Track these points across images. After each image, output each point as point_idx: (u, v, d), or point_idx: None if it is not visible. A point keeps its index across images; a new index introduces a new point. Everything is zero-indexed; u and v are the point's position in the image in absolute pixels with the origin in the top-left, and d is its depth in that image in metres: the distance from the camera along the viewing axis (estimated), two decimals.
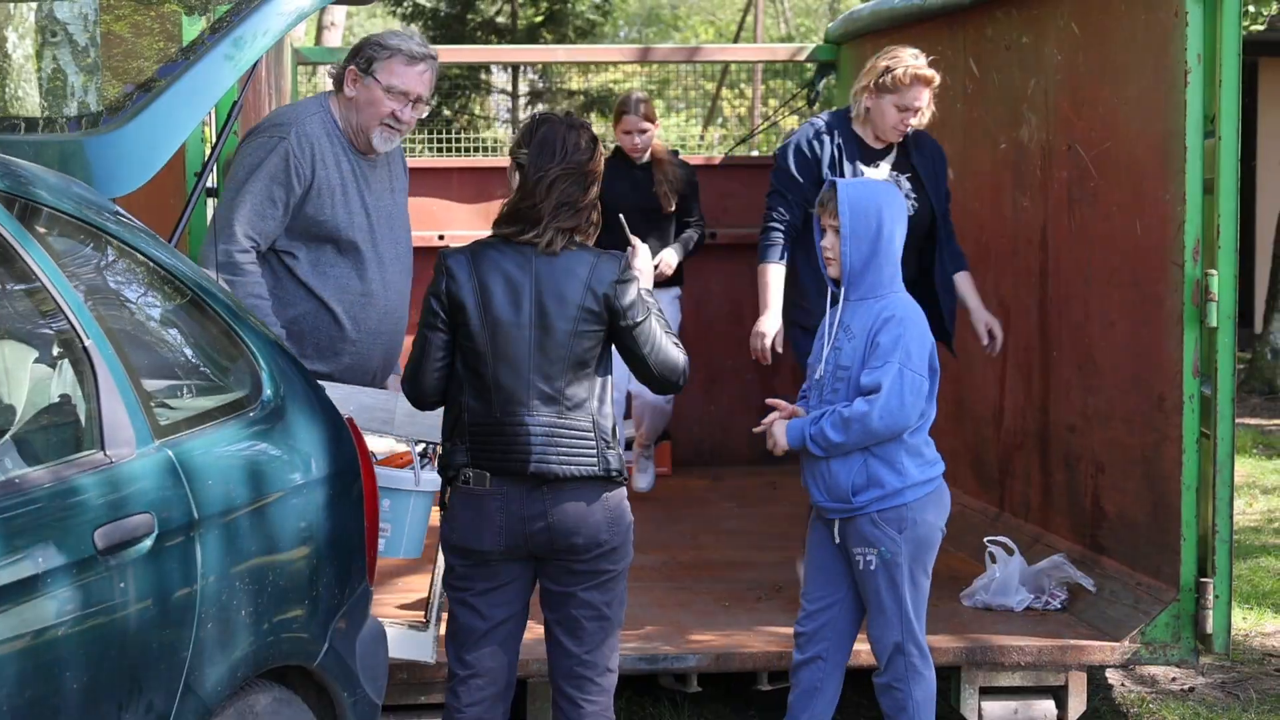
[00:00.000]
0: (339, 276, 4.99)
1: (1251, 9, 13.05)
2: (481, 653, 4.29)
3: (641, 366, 4.29)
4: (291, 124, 4.94)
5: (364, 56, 4.99)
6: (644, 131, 7.59)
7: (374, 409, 4.71)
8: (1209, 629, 5.35)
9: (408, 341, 4.56)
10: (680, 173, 7.71)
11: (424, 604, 5.15)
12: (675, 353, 4.32)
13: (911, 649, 4.67)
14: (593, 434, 4.21)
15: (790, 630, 5.59)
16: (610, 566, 4.27)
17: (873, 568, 4.62)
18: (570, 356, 4.19)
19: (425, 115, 5.16)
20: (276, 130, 4.94)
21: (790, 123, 19.76)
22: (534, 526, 4.20)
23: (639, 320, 4.24)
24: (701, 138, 17.28)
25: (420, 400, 4.31)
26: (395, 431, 4.74)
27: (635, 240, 4.44)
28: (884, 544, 4.60)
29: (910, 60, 5.60)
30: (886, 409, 4.53)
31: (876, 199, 4.66)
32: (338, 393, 4.59)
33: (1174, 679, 6.17)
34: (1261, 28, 13.62)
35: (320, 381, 4.58)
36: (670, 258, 7.58)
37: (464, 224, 8.96)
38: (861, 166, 5.64)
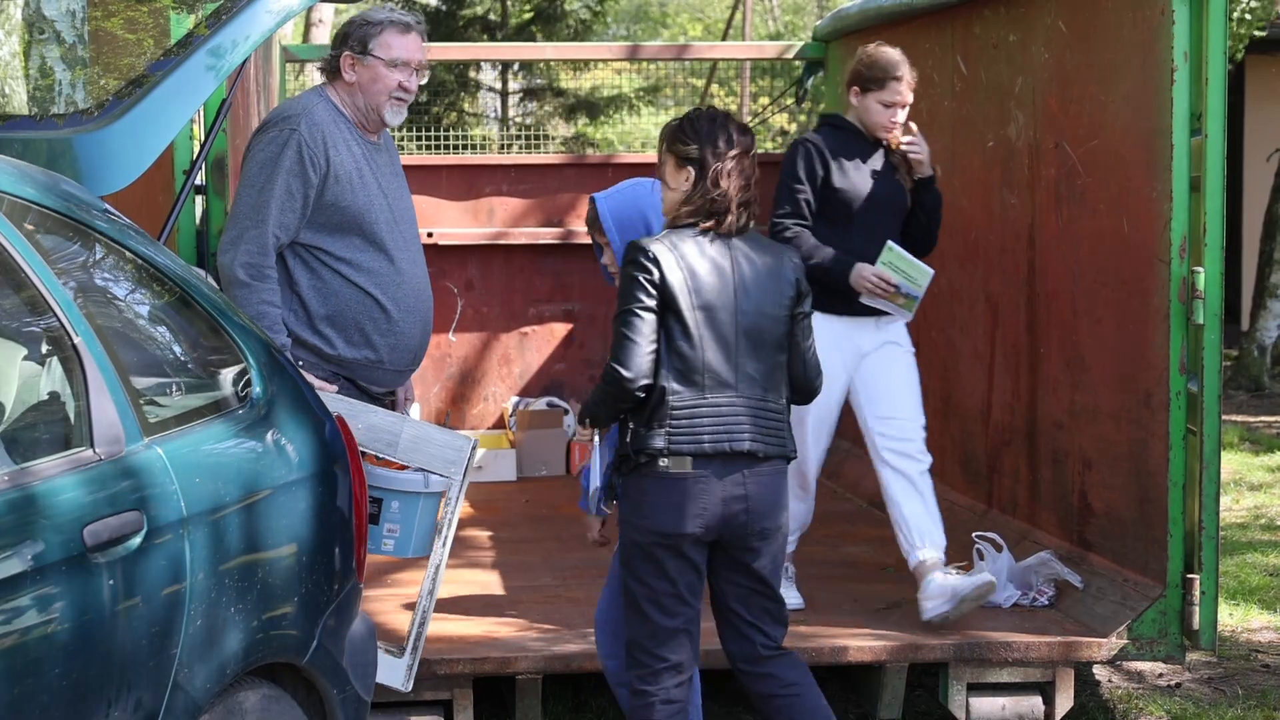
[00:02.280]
0: (371, 261, 5.00)
1: (1249, 16, 13.08)
2: (677, 644, 4.37)
3: (799, 361, 4.45)
4: (300, 115, 4.94)
5: (356, 39, 5.01)
6: (905, 106, 5.78)
7: (380, 430, 4.72)
8: (1196, 625, 5.36)
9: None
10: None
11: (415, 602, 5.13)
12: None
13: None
14: (784, 415, 4.41)
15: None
16: (780, 543, 4.45)
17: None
18: (772, 339, 4.37)
19: (425, 81, 5.21)
20: (285, 123, 4.93)
21: (779, 120, 19.76)
22: (734, 508, 4.32)
23: (809, 311, 4.46)
24: None
25: (630, 384, 4.26)
26: (397, 456, 4.74)
27: None
28: None
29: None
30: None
31: (638, 203, 4.58)
32: (345, 407, 4.63)
33: (1161, 675, 6.19)
34: (1263, 34, 13.64)
35: (333, 396, 4.61)
36: None
37: (454, 221, 8.97)
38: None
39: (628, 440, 4.33)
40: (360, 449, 4.57)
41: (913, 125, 5.70)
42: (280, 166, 4.87)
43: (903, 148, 5.68)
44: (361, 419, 4.65)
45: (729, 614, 4.46)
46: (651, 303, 4.28)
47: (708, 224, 4.35)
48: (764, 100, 21.64)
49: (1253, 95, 16.01)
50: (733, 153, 4.35)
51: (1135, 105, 5.59)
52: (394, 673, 4.79)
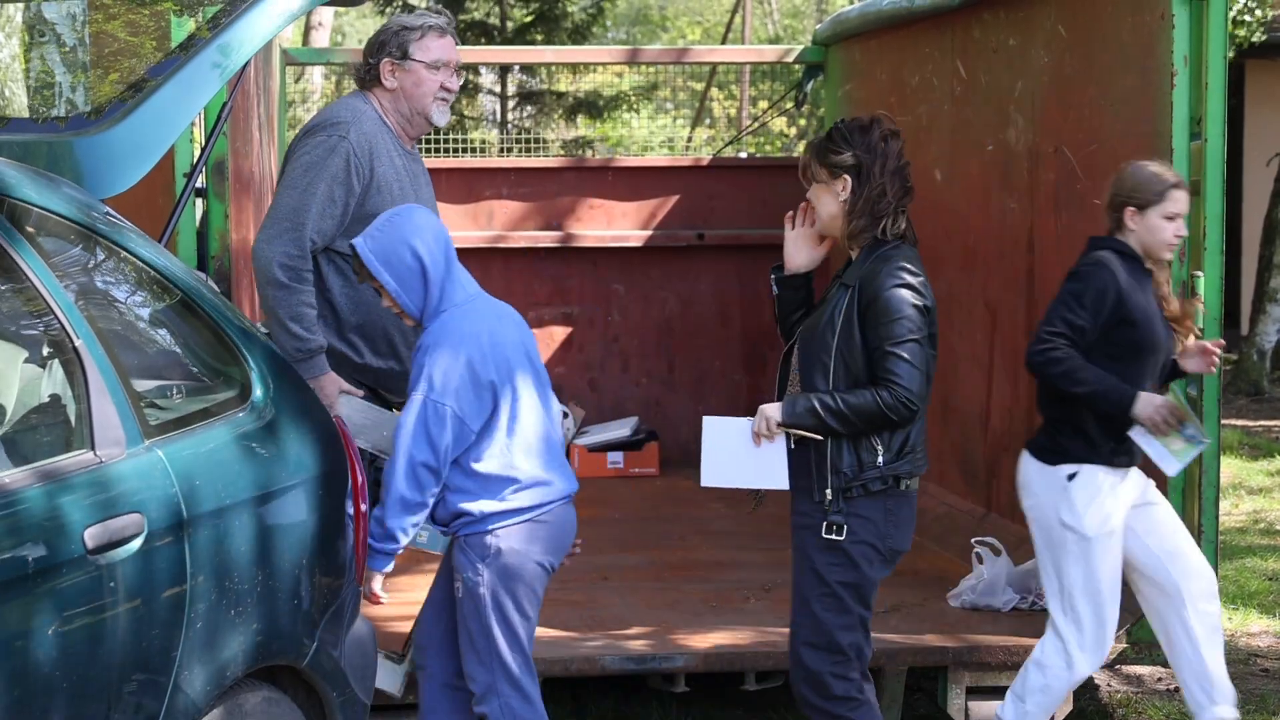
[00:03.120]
0: None
1: (1248, 18, 13.08)
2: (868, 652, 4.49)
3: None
4: (350, 123, 4.93)
5: (395, 45, 5.01)
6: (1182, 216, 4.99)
7: None
8: None
9: None
10: None
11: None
12: None
13: (506, 689, 4.39)
14: None
15: (778, 629, 5.61)
16: None
17: (459, 595, 4.37)
18: None
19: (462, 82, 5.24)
20: (335, 129, 4.91)
21: (778, 124, 19.78)
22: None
23: None
24: (689, 139, 17.28)
25: (916, 416, 4.32)
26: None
27: None
28: (467, 571, 4.35)
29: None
30: (403, 440, 4.24)
31: (398, 235, 4.32)
32: (369, 417, 4.64)
33: (1160, 679, 6.19)
34: (1262, 39, 13.63)
35: (362, 403, 4.64)
36: None
37: (453, 225, 8.96)
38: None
39: (875, 463, 4.32)
40: (379, 453, 4.60)
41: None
42: (325, 171, 4.86)
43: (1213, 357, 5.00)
44: (387, 427, 4.64)
45: None
46: (927, 330, 4.34)
47: (897, 229, 4.37)
48: (763, 104, 21.66)
49: (1252, 100, 16.02)
50: (895, 158, 4.38)
51: (1135, 109, 5.59)
52: (391, 678, 4.80)
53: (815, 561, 4.37)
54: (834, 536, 4.33)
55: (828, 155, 4.40)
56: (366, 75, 5.07)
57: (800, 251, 4.56)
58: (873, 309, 4.29)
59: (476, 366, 4.27)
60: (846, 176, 4.37)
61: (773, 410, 4.37)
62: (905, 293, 4.29)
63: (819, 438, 4.34)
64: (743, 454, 4.41)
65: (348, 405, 4.67)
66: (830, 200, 4.41)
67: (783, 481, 4.42)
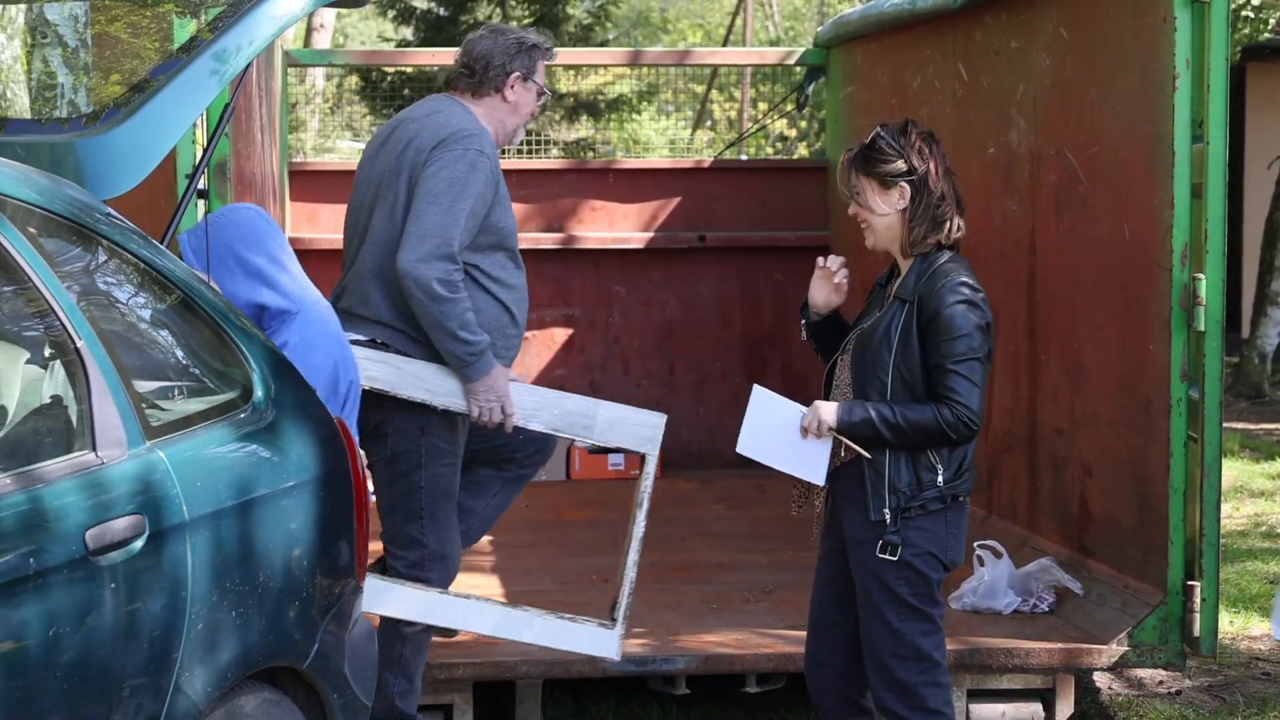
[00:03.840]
0: (512, 278, 5.01)
1: (1253, 15, 13.05)
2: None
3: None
4: (479, 135, 4.90)
5: (527, 62, 5.03)
6: None
7: (576, 414, 4.87)
8: (1196, 632, 5.36)
9: None
10: None
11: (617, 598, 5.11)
12: None
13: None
14: None
15: (779, 631, 5.62)
16: None
17: None
18: None
19: None
20: (470, 142, 4.85)
21: (779, 126, 19.80)
22: None
23: None
24: (691, 141, 17.29)
25: (975, 434, 4.27)
26: (594, 438, 4.89)
27: None
28: None
29: None
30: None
31: (214, 231, 4.40)
32: (537, 398, 4.82)
33: (1161, 682, 6.19)
34: (1271, 35, 13.58)
35: (525, 386, 4.88)
36: None
37: None
38: None
39: (935, 482, 4.25)
40: (555, 432, 4.84)
41: None
42: (470, 187, 4.81)
43: None
44: (556, 405, 4.87)
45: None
46: (986, 349, 4.26)
47: (951, 237, 4.29)
48: (763, 106, 21.67)
49: (1254, 102, 16.02)
50: (942, 160, 4.31)
51: (1136, 111, 5.59)
52: (607, 644, 4.89)
53: (881, 575, 4.27)
54: (888, 557, 4.25)
55: (877, 166, 4.28)
56: (484, 81, 5.01)
57: (820, 291, 4.47)
58: (934, 325, 4.20)
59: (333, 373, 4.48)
60: (904, 184, 4.26)
61: (828, 412, 4.26)
62: (968, 309, 4.20)
63: (867, 455, 4.26)
64: (785, 438, 4.34)
65: (518, 392, 4.86)
66: (887, 210, 4.29)
67: (819, 477, 4.36)
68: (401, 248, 4.77)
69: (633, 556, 4.88)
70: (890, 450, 4.24)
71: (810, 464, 4.34)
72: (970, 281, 4.24)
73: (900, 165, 4.25)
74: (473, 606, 4.89)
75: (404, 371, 4.82)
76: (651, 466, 4.91)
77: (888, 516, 4.24)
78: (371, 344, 4.87)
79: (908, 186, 4.26)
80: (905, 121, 4.34)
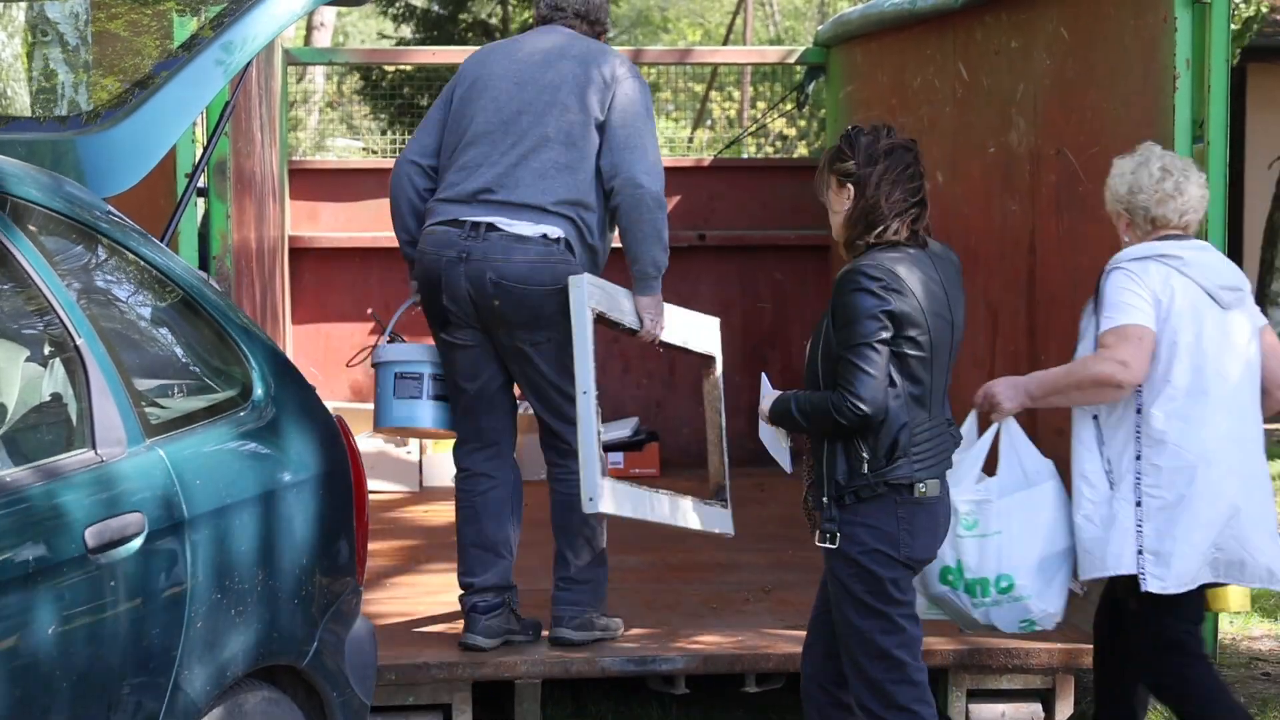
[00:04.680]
0: None
1: (1249, 11, 13.04)
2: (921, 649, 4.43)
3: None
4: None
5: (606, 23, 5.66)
6: None
7: (631, 312, 5.56)
8: None
9: None
10: None
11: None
12: None
13: None
14: None
15: (779, 631, 5.62)
16: None
17: None
18: (954, 352, 4.40)
19: None
20: (635, 67, 5.43)
21: (779, 125, 19.79)
22: (947, 524, 4.44)
23: None
24: (690, 140, 17.28)
25: (875, 421, 4.20)
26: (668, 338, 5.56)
27: None
28: None
29: None
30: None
31: None
32: (605, 292, 5.43)
33: None
34: (1258, 29, 13.58)
35: (596, 280, 5.40)
36: None
37: None
38: None
39: (860, 470, 4.23)
40: (615, 322, 5.43)
41: None
42: (651, 107, 5.40)
43: None
44: (623, 302, 5.48)
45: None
46: (888, 333, 4.18)
47: (902, 236, 4.28)
48: (762, 105, 21.66)
49: (1254, 103, 16.02)
50: (914, 165, 4.33)
51: (1137, 112, 5.59)
52: (724, 521, 5.49)
53: (838, 573, 4.31)
54: (828, 545, 4.27)
55: (835, 163, 4.36)
56: (599, 34, 5.59)
57: None
58: (834, 315, 4.26)
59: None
60: (850, 185, 4.31)
61: (765, 403, 4.41)
62: (860, 296, 4.18)
63: (786, 444, 4.47)
64: (766, 426, 4.53)
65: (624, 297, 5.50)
66: (839, 209, 4.35)
67: (786, 465, 4.54)
68: (630, 162, 5.26)
69: (724, 446, 5.53)
70: (814, 439, 4.31)
71: (780, 452, 4.55)
72: (871, 271, 4.20)
73: (851, 166, 4.32)
74: (618, 489, 5.22)
75: (605, 291, 5.40)
76: (718, 369, 5.68)
77: (826, 504, 4.28)
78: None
79: (853, 188, 4.31)
80: (877, 125, 4.39)
